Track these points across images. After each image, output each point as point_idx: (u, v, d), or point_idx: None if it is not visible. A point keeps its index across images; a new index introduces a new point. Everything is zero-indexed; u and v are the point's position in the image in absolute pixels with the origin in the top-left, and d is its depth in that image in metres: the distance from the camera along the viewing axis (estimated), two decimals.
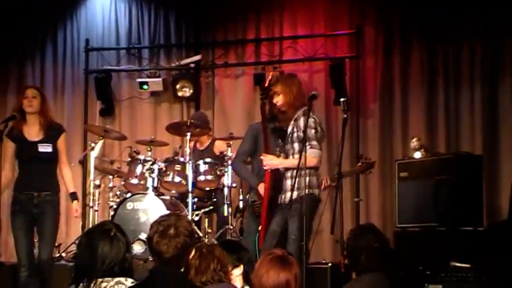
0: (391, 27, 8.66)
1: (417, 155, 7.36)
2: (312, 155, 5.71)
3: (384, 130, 8.55)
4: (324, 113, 8.64)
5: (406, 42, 8.56)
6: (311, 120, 5.78)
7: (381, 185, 8.42)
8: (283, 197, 5.81)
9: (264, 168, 5.87)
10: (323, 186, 6.10)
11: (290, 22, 9.00)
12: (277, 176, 5.87)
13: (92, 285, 3.35)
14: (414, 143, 7.45)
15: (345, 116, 5.77)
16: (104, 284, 3.36)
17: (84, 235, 3.73)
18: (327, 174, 8.34)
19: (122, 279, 3.38)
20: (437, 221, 6.85)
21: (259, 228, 6.01)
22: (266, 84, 5.83)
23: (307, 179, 5.72)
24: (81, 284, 3.38)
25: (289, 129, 5.83)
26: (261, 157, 5.89)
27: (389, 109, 8.56)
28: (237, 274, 4.20)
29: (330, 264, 6.98)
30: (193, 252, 3.72)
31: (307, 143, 5.73)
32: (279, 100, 5.88)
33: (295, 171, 5.74)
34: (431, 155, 7.36)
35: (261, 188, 6.00)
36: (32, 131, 6.13)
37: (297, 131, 5.79)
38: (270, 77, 5.91)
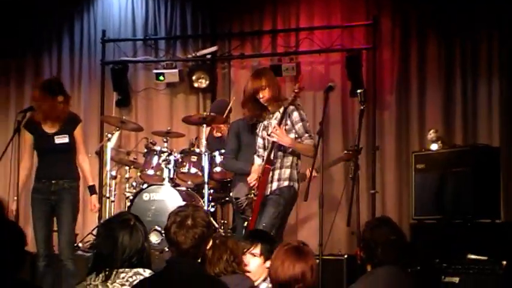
0: (407, 19, 8.62)
1: (434, 146, 7.32)
2: (312, 144, 5.74)
3: (401, 122, 8.51)
4: (340, 105, 8.63)
5: (423, 33, 8.51)
6: (303, 114, 5.79)
7: (397, 177, 8.39)
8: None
9: (271, 139, 5.72)
10: (307, 177, 6.08)
11: (306, 13, 8.96)
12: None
13: (112, 275, 3.36)
14: (431, 134, 7.41)
15: (362, 107, 5.75)
16: (122, 275, 3.37)
17: (103, 225, 3.74)
18: (343, 165, 8.36)
19: (141, 270, 3.39)
20: (454, 213, 6.82)
21: (245, 224, 5.97)
22: (297, 89, 5.75)
23: (289, 171, 5.74)
24: (101, 274, 3.40)
25: (274, 123, 5.78)
26: (273, 129, 5.72)
27: (406, 101, 8.52)
28: (268, 266, 4.22)
29: (346, 256, 6.98)
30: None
31: (306, 134, 5.74)
32: (265, 95, 5.82)
33: (279, 161, 5.74)
34: (449, 147, 7.32)
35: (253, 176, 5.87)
36: (49, 123, 6.16)
37: (285, 125, 5.74)
38: (300, 80, 5.81)
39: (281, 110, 5.78)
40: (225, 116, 7.44)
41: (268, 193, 5.74)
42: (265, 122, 5.89)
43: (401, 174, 8.35)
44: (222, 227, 7.48)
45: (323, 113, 5.78)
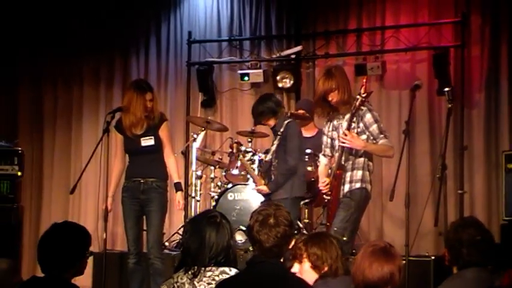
0: (498, 16, 8.37)
1: None
2: (391, 145, 5.65)
3: (490, 121, 8.29)
4: (426, 103, 8.47)
5: None
6: (376, 115, 5.67)
7: (486, 176, 8.17)
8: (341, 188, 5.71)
9: (342, 145, 5.59)
10: None
11: (392, 11, 8.83)
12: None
13: (199, 273, 3.39)
14: None
15: (450, 106, 5.65)
16: (209, 273, 3.39)
17: (190, 222, 3.77)
18: (430, 165, 8.23)
19: (227, 269, 3.41)
20: None
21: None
22: (364, 93, 5.61)
23: (361, 172, 5.63)
24: (188, 272, 3.43)
25: (345, 126, 5.65)
26: (342, 135, 5.58)
27: (496, 99, 8.29)
28: None
29: (433, 258, 6.86)
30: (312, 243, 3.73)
31: (381, 135, 5.63)
32: (334, 97, 5.69)
33: (351, 163, 5.64)
34: None
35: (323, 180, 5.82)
36: (137, 124, 6.28)
37: (356, 128, 5.63)
38: (365, 83, 5.70)
39: (354, 111, 5.62)
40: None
41: (341, 196, 5.68)
42: (335, 122, 5.79)
43: (490, 174, 8.13)
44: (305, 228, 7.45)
45: (409, 112, 5.70)
